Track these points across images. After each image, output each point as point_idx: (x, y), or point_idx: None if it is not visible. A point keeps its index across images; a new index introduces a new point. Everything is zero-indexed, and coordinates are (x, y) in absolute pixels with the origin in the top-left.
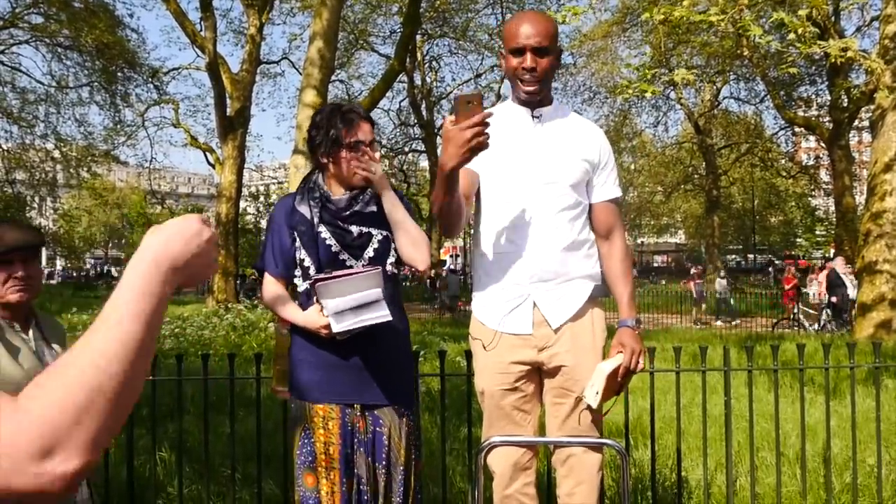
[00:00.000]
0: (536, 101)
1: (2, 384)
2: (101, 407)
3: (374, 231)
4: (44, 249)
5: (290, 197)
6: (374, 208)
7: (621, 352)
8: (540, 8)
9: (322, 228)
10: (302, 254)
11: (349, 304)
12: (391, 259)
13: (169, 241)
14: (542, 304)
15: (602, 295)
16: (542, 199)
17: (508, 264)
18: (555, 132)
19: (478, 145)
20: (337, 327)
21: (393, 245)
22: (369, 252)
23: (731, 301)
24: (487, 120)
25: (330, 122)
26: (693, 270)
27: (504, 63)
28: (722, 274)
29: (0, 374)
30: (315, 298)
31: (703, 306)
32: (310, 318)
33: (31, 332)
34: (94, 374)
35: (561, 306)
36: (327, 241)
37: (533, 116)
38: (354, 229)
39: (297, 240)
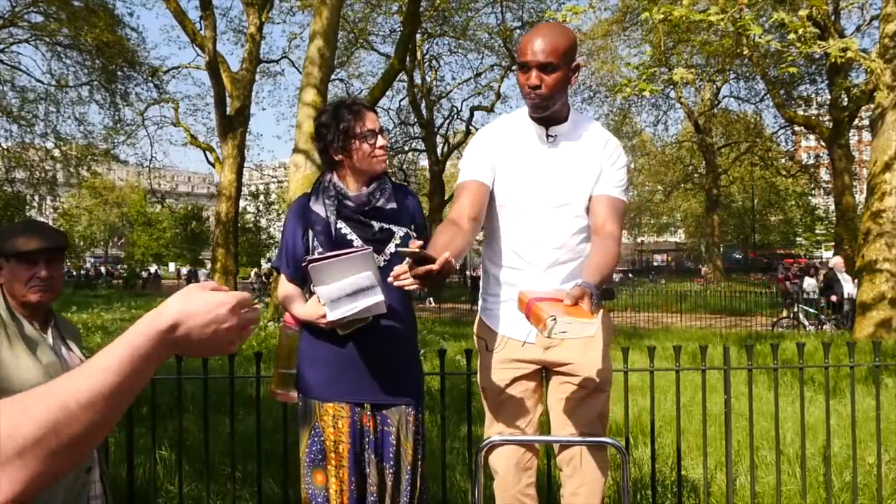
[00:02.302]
0: (547, 116)
1: (21, 377)
2: (51, 446)
3: (394, 228)
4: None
5: (305, 197)
6: (393, 205)
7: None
8: (540, 8)
9: (342, 224)
10: (320, 251)
11: (344, 289)
12: None
13: (192, 316)
14: None
15: (607, 298)
16: (554, 222)
17: (519, 279)
18: (568, 153)
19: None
20: (332, 315)
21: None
22: (390, 248)
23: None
24: (501, 133)
25: (338, 116)
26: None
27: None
28: (811, 271)
29: (18, 368)
30: (311, 285)
31: (796, 308)
32: (308, 309)
33: (49, 332)
34: (59, 413)
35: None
36: (348, 237)
37: (548, 135)
38: (375, 224)
39: (314, 238)
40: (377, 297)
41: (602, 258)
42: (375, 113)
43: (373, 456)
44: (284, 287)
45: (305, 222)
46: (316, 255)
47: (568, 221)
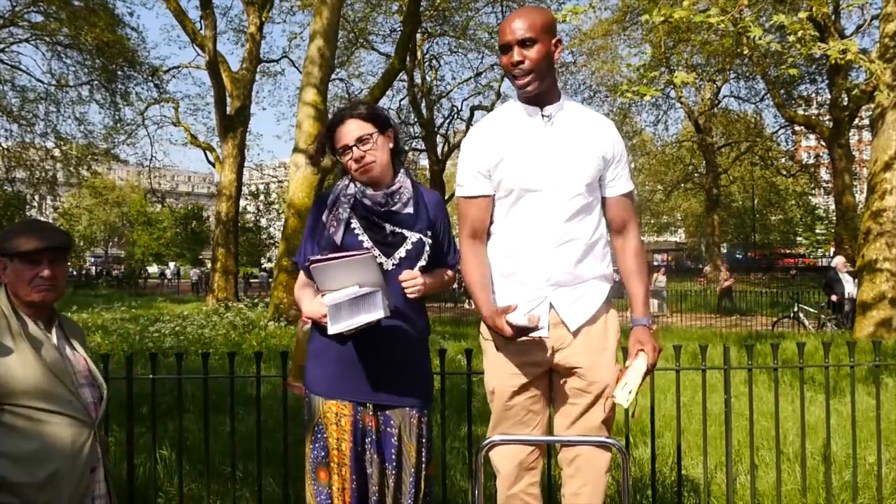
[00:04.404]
0: (536, 95)
1: (25, 376)
2: None
3: (407, 233)
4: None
5: (326, 195)
6: (410, 210)
7: (642, 350)
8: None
9: (355, 223)
10: (325, 252)
11: (346, 297)
12: (422, 262)
13: None
14: (558, 306)
15: (616, 296)
16: (557, 201)
17: (524, 266)
18: (566, 130)
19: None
20: (332, 328)
21: (426, 248)
22: (401, 252)
23: None
24: (493, 129)
25: (324, 135)
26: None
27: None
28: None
29: (24, 367)
30: (315, 286)
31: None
32: (313, 307)
33: (53, 331)
34: None
35: (578, 309)
36: (360, 237)
37: (543, 115)
38: (388, 227)
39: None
40: (378, 312)
41: (639, 282)
42: (360, 117)
43: (375, 455)
44: (300, 282)
45: (321, 221)
46: (319, 256)
47: (571, 200)
